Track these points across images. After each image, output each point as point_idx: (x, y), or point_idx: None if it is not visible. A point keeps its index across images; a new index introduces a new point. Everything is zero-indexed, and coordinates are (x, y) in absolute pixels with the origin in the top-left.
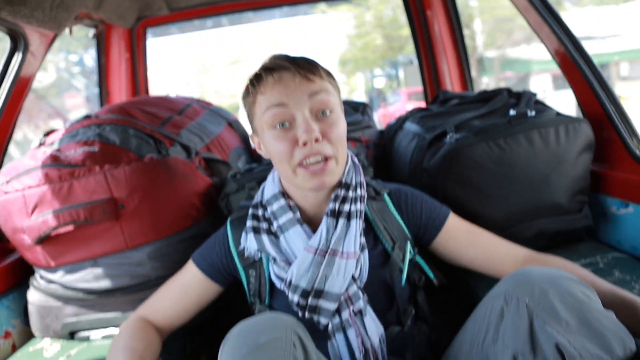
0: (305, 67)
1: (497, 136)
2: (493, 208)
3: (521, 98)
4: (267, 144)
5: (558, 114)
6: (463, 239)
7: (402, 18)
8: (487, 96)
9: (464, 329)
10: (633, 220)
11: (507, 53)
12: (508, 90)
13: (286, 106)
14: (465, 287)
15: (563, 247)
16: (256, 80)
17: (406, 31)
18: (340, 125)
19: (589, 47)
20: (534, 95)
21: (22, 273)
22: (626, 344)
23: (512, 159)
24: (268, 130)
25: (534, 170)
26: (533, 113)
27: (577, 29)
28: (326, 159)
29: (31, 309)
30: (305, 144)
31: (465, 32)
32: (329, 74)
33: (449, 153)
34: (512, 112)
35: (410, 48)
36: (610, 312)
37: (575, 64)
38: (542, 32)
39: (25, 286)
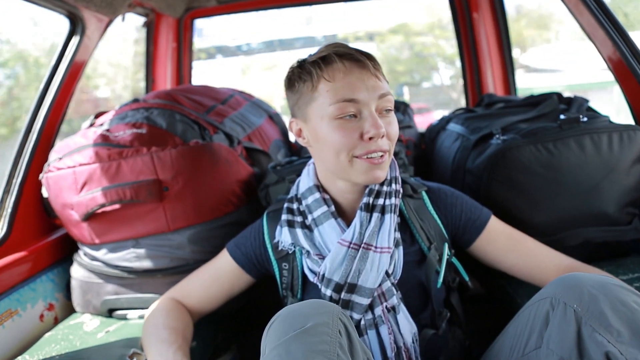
0: (374, 63)
1: (547, 139)
2: (538, 213)
3: (572, 103)
4: (325, 133)
5: (610, 122)
6: (504, 244)
7: (403, 55)
8: (536, 100)
9: (503, 334)
10: None
11: None
12: (558, 95)
13: (358, 102)
14: (503, 296)
15: (609, 259)
16: (324, 63)
17: (402, 66)
18: (396, 123)
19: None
20: (587, 101)
21: (67, 249)
22: None
23: (562, 163)
24: (330, 120)
25: (584, 177)
26: (585, 119)
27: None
28: (385, 153)
29: (74, 284)
30: (371, 138)
31: None
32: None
33: (495, 154)
34: (562, 116)
35: (404, 78)
36: None
37: (631, 70)
38: (596, 36)
39: (70, 262)
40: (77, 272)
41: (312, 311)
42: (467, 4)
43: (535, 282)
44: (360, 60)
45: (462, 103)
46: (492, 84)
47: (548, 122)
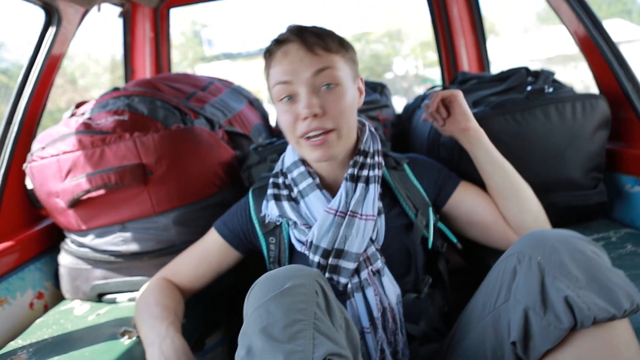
0: (311, 40)
1: (515, 110)
2: None
3: (539, 76)
4: (277, 115)
5: (574, 92)
6: (476, 198)
7: (364, 56)
8: (506, 75)
9: (477, 293)
10: None
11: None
12: (526, 69)
13: (290, 83)
14: (482, 268)
15: (576, 223)
16: (268, 54)
17: (362, 65)
18: (345, 98)
19: None
20: (552, 73)
21: (54, 238)
22: (633, 299)
23: (529, 133)
24: (277, 103)
25: (550, 145)
26: (551, 89)
27: None
28: (327, 132)
29: (62, 271)
30: (305, 118)
31: None
32: (341, 44)
33: None
34: (529, 88)
35: (365, 73)
36: (619, 270)
37: (595, 43)
38: (562, 11)
39: (57, 250)
40: (64, 259)
41: (291, 274)
42: None
43: (502, 242)
44: (293, 40)
45: (416, 91)
46: (467, 62)
47: (516, 94)
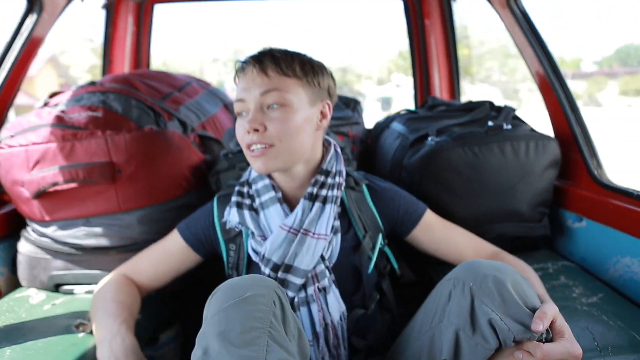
0: (266, 63)
1: (473, 143)
2: (462, 208)
3: (501, 112)
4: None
5: (532, 130)
6: (438, 234)
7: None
8: (471, 106)
9: (418, 311)
10: (584, 233)
11: None
12: (490, 104)
13: (243, 100)
14: (430, 283)
15: (521, 252)
16: (237, 69)
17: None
18: (290, 119)
19: None
20: (513, 110)
21: (14, 224)
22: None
23: (484, 165)
24: (237, 117)
25: (503, 179)
26: (509, 126)
27: None
28: (267, 146)
29: (20, 258)
30: (248, 132)
31: None
32: (302, 68)
33: (427, 154)
34: (490, 123)
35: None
36: (534, 297)
37: (552, 86)
38: (525, 52)
39: (16, 238)
40: (24, 247)
41: (251, 283)
42: (420, 11)
43: None
44: (251, 62)
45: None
46: (439, 87)
47: (477, 128)
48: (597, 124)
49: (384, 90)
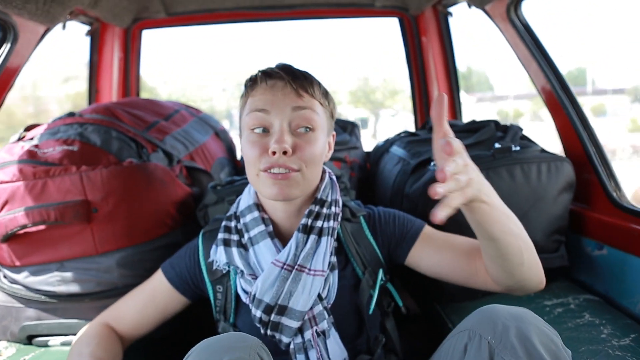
0: (299, 81)
1: (480, 168)
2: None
3: (508, 131)
4: (242, 145)
5: (542, 150)
6: (439, 242)
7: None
8: (475, 127)
9: None
10: (607, 262)
11: None
12: (496, 123)
13: (268, 113)
14: (436, 317)
15: None
16: (251, 83)
17: None
18: (316, 145)
19: None
20: (521, 130)
21: None
22: None
23: None
24: (246, 132)
25: (513, 206)
26: (517, 148)
27: None
28: (292, 170)
29: None
30: (274, 153)
31: None
32: (325, 94)
33: (430, 180)
34: (497, 145)
35: None
36: (568, 350)
37: (560, 103)
38: (530, 67)
39: None
40: None
41: (229, 345)
42: (416, 28)
43: (475, 283)
44: (282, 77)
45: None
46: None
47: (483, 150)
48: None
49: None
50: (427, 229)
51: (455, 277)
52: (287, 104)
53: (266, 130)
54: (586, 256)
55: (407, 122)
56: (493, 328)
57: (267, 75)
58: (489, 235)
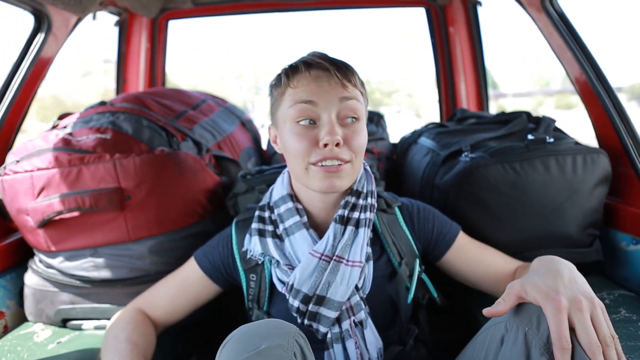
0: (343, 71)
1: (514, 159)
2: (502, 232)
3: (540, 123)
4: (286, 138)
5: (576, 143)
6: (472, 255)
7: None
8: (506, 118)
9: (462, 355)
10: None
11: None
12: (527, 114)
13: (315, 104)
14: (465, 310)
15: None
16: (291, 72)
17: None
18: (363, 134)
19: None
20: (554, 121)
21: (22, 254)
22: None
23: (527, 183)
24: (290, 124)
25: (548, 198)
26: (551, 139)
27: None
28: (343, 163)
29: (27, 291)
30: (325, 145)
31: None
32: (362, 83)
33: (463, 171)
34: (530, 136)
35: None
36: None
37: (596, 93)
38: (564, 57)
39: (24, 268)
40: (30, 279)
41: (267, 332)
42: (443, 18)
43: (498, 292)
44: (327, 68)
45: None
46: (466, 99)
47: (516, 142)
48: None
49: None
50: (462, 236)
51: (482, 288)
52: (335, 95)
53: (312, 122)
54: (621, 251)
55: (409, 118)
56: (529, 319)
57: (309, 65)
58: None
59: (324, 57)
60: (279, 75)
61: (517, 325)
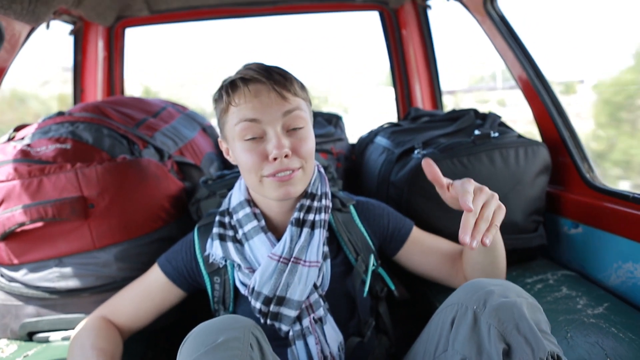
0: (281, 83)
1: (461, 154)
2: (453, 222)
3: (486, 119)
4: (237, 154)
5: (519, 136)
6: (426, 246)
7: None
8: (456, 115)
9: (418, 341)
10: (582, 240)
11: None
12: (475, 111)
13: (259, 122)
14: (425, 301)
15: (517, 264)
16: (231, 89)
17: None
18: (310, 139)
19: None
20: (499, 117)
21: None
22: (552, 349)
23: (474, 176)
24: (238, 141)
25: (494, 189)
26: (496, 134)
27: None
28: (294, 170)
29: None
30: (275, 159)
31: None
32: (302, 87)
33: (415, 168)
34: (477, 132)
35: None
36: (543, 318)
37: (536, 90)
38: (507, 57)
39: None
40: None
41: (224, 326)
42: (396, 21)
43: (452, 283)
44: (264, 81)
45: None
46: (421, 98)
47: (464, 137)
48: None
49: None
50: (415, 230)
51: (436, 277)
52: (277, 110)
53: (258, 137)
54: (563, 235)
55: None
56: (477, 298)
57: (246, 81)
58: (492, 248)
59: (260, 68)
60: (220, 91)
61: (466, 305)
